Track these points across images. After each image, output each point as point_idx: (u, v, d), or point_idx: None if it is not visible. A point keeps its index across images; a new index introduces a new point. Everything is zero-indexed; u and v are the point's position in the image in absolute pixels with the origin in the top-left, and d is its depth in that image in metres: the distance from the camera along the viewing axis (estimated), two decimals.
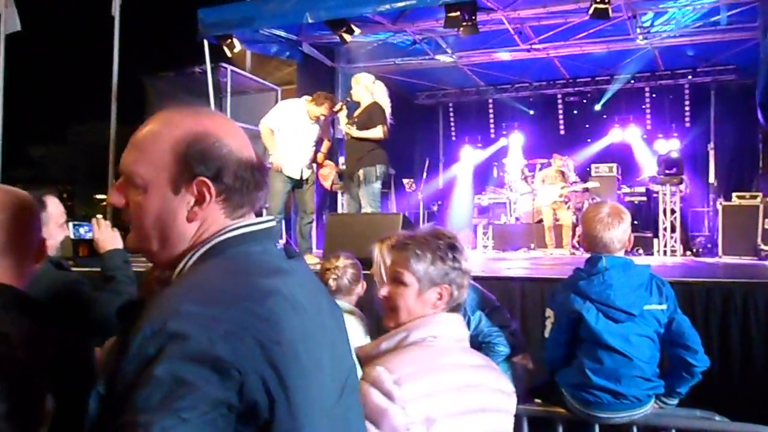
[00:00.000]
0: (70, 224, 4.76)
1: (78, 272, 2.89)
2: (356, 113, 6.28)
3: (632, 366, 2.69)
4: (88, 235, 4.79)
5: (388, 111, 6.15)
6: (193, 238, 1.12)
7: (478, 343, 2.82)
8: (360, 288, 3.01)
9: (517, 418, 1.98)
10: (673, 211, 9.01)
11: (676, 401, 2.84)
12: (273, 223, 1.18)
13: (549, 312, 2.86)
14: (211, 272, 1.06)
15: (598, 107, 12.00)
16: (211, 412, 0.89)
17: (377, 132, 6.03)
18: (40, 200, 2.32)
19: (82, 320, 2.58)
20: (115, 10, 8.98)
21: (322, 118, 6.29)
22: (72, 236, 4.95)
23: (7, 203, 1.51)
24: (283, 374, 0.95)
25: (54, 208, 2.61)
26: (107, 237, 2.83)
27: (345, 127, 6.22)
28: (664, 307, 2.76)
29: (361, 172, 5.95)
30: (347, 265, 2.96)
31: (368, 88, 6.24)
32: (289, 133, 6.24)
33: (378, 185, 6.01)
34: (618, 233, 2.79)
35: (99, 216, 2.91)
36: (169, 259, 1.13)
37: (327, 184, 7.29)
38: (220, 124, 1.15)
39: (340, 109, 6.30)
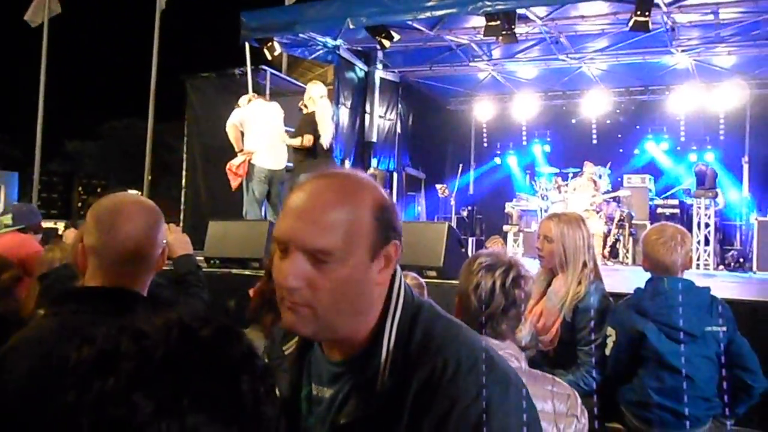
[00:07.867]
0: None
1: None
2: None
3: (693, 386, 2.73)
4: None
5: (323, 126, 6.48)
6: (378, 300, 1.10)
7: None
8: None
9: None
10: (707, 225, 8.99)
11: (733, 421, 2.89)
12: None
13: (610, 330, 2.90)
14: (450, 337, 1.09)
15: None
16: None
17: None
18: None
19: None
20: (159, 8, 9.14)
21: None
22: None
23: (142, 213, 1.59)
24: None
25: None
26: (179, 242, 2.85)
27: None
28: (724, 328, 2.80)
29: None
30: (415, 284, 2.82)
31: (314, 99, 6.65)
32: None
33: None
34: (680, 256, 2.84)
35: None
36: (357, 328, 1.09)
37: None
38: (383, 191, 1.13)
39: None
